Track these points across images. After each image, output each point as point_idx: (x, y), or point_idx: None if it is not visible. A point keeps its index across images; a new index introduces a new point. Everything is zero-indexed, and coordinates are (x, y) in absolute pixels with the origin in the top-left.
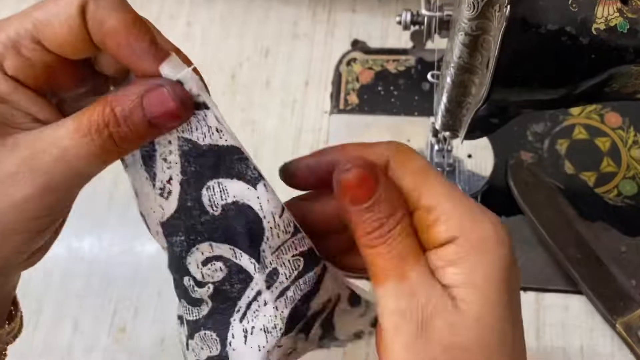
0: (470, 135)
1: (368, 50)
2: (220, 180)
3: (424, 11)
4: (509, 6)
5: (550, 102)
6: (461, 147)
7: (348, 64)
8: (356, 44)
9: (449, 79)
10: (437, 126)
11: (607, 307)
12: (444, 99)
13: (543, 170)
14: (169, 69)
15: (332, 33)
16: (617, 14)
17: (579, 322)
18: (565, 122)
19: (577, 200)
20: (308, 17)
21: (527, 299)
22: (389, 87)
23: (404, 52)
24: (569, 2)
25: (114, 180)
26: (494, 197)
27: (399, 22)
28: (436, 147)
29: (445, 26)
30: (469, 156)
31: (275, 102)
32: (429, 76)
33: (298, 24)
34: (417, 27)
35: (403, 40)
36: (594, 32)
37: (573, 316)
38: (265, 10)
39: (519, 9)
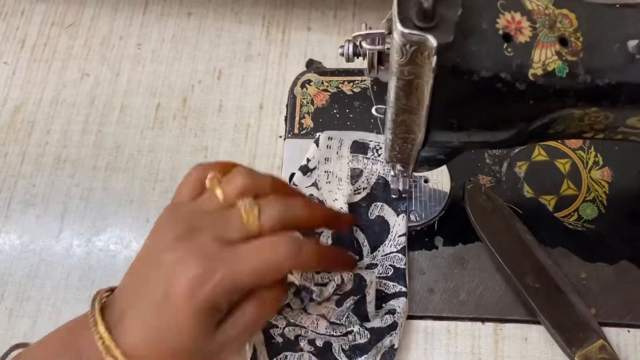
0: (419, 168)
1: (323, 72)
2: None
3: (364, 44)
4: (435, 56)
5: (491, 144)
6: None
7: (302, 86)
8: (311, 64)
9: (389, 117)
10: (386, 158)
11: (565, 339)
12: (388, 134)
13: (501, 194)
14: None
15: (286, 53)
16: (555, 57)
17: (538, 354)
18: (529, 144)
19: (537, 225)
20: (262, 37)
21: (486, 330)
22: (344, 109)
23: (359, 72)
24: (504, 47)
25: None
26: (452, 222)
27: (342, 54)
28: (391, 173)
29: (387, 59)
30: (426, 181)
31: (229, 127)
32: (373, 110)
33: (252, 44)
34: (359, 58)
35: (359, 60)
36: (531, 77)
37: (532, 347)
38: (218, 30)
39: (449, 56)
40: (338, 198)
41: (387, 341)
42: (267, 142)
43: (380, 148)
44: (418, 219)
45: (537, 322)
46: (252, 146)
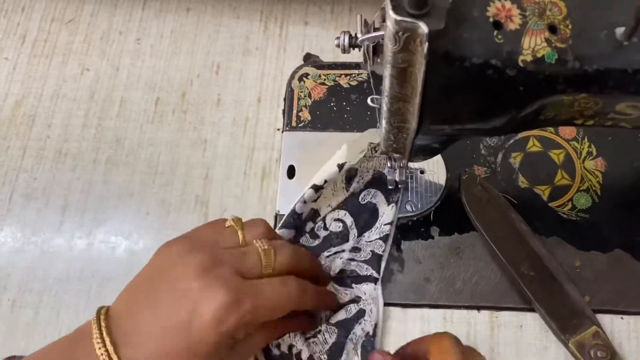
0: (414, 158)
1: (320, 65)
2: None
3: (360, 35)
4: (427, 43)
5: (484, 131)
6: (413, 163)
7: (300, 79)
8: (308, 58)
9: (384, 107)
10: (383, 148)
11: (559, 326)
12: (384, 124)
13: (496, 185)
14: None
15: (284, 47)
16: (544, 44)
17: (533, 341)
18: (519, 135)
19: (531, 215)
20: (260, 31)
21: (482, 317)
22: (341, 102)
23: (356, 66)
24: (494, 34)
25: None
26: (447, 213)
27: (338, 45)
28: (388, 164)
29: (382, 50)
30: (422, 172)
31: (227, 120)
32: (369, 101)
33: (250, 38)
34: (356, 50)
35: (356, 53)
36: (521, 64)
37: (527, 334)
38: (216, 25)
39: (441, 43)
40: (331, 203)
41: (358, 330)
42: (265, 135)
43: (378, 145)
44: (414, 209)
45: (532, 310)
46: (250, 139)
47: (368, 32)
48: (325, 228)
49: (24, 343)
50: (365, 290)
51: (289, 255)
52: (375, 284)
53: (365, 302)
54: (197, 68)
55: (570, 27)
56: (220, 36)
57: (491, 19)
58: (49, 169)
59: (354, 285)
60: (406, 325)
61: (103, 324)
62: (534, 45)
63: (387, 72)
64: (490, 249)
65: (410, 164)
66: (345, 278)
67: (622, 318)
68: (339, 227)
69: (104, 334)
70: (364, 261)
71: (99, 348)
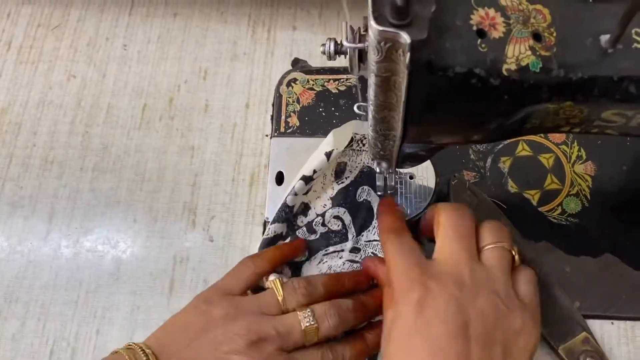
0: (402, 165)
1: (308, 70)
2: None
3: (345, 42)
4: (409, 53)
5: (469, 140)
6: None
7: (288, 84)
8: (296, 63)
9: (370, 115)
10: (370, 155)
11: (548, 333)
12: (370, 131)
13: (486, 190)
14: None
15: (272, 52)
16: (529, 52)
17: None
18: (508, 139)
19: (521, 219)
20: (248, 36)
21: None
22: (330, 107)
23: (345, 71)
24: (478, 43)
25: None
26: None
27: (323, 52)
28: (377, 170)
29: (367, 57)
30: (411, 177)
31: (215, 126)
32: (355, 108)
33: (237, 43)
34: (341, 56)
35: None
36: (505, 72)
37: None
38: (204, 30)
39: (423, 52)
40: (321, 196)
41: None
42: (253, 141)
43: (365, 138)
44: (404, 214)
45: None
46: (238, 145)
47: (354, 39)
48: (324, 224)
49: (10, 354)
50: None
51: (334, 325)
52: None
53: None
54: (184, 74)
55: (554, 34)
56: (207, 41)
57: (474, 28)
58: (35, 177)
59: None
60: None
61: (149, 352)
62: (518, 54)
63: (371, 81)
64: None
65: (400, 170)
66: None
67: (612, 323)
68: (338, 226)
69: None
70: None
71: None
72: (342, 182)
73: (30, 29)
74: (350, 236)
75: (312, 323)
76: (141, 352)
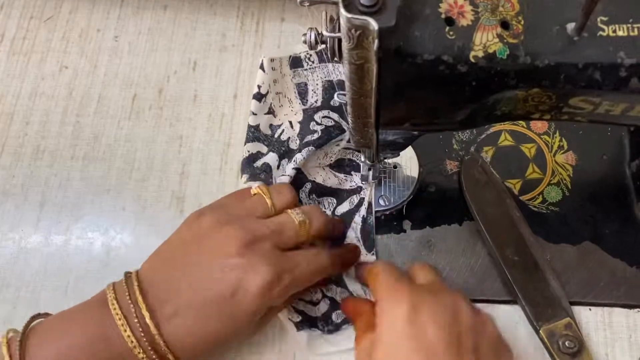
0: (382, 153)
1: None
2: None
3: (324, 32)
4: (377, 39)
5: (441, 126)
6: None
7: None
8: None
9: (349, 102)
10: (352, 144)
11: (534, 312)
12: (350, 119)
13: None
14: None
15: (260, 44)
16: (496, 40)
17: (503, 332)
18: (491, 129)
19: None
20: (236, 28)
21: None
22: None
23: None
24: (446, 31)
25: None
26: (419, 206)
27: (305, 42)
28: (362, 158)
29: None
30: (395, 167)
31: (203, 116)
32: (335, 96)
33: (226, 35)
34: (323, 46)
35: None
36: (472, 59)
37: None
38: (193, 22)
39: (392, 39)
40: (292, 120)
41: (357, 218)
42: (241, 131)
43: (311, 56)
44: (387, 203)
45: (504, 302)
46: (226, 135)
47: (334, 28)
48: (319, 123)
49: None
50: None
51: (323, 223)
52: (369, 169)
53: (365, 190)
54: (174, 65)
55: (522, 22)
56: (197, 33)
57: (443, 16)
58: (27, 165)
59: (352, 172)
60: None
61: (137, 288)
62: (486, 41)
63: (346, 69)
64: (480, 230)
65: (385, 160)
66: (344, 165)
67: (590, 309)
68: (331, 122)
69: (139, 299)
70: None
71: (133, 310)
72: (313, 106)
73: (22, 20)
74: (345, 127)
75: (303, 218)
76: (126, 288)
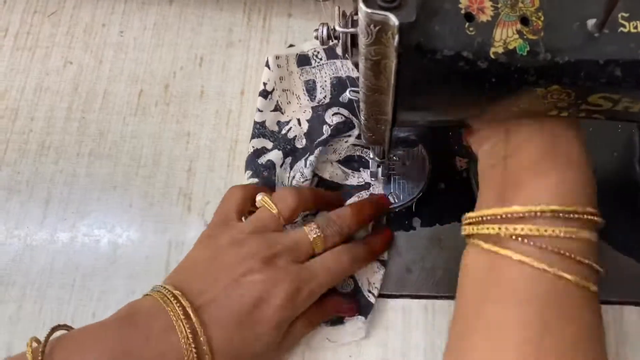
0: (394, 149)
1: None
2: None
3: (337, 27)
4: (398, 35)
5: (458, 123)
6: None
7: None
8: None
9: (362, 99)
10: (364, 141)
11: None
12: (362, 116)
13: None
14: None
15: (267, 39)
16: (516, 36)
17: None
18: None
19: None
20: (243, 24)
21: None
22: None
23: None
24: (466, 27)
25: None
26: (429, 204)
27: (316, 37)
28: (370, 155)
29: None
30: (404, 163)
31: (210, 113)
32: (347, 93)
33: (233, 30)
34: (335, 41)
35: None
36: (492, 55)
37: None
38: (199, 17)
39: (412, 35)
40: (300, 118)
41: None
42: (248, 128)
43: (319, 53)
44: (397, 201)
45: None
46: (233, 131)
47: (346, 24)
48: (329, 124)
49: (7, 337)
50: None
51: (338, 233)
52: (378, 166)
53: (374, 186)
54: (180, 60)
55: (542, 19)
56: (203, 29)
57: (463, 11)
58: (32, 162)
59: (360, 169)
60: (387, 316)
61: (186, 303)
62: (506, 37)
63: (362, 65)
64: None
65: (393, 156)
66: (353, 162)
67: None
68: (342, 118)
69: (188, 307)
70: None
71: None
72: (321, 104)
73: (26, 15)
74: (356, 123)
75: (319, 234)
76: (170, 295)
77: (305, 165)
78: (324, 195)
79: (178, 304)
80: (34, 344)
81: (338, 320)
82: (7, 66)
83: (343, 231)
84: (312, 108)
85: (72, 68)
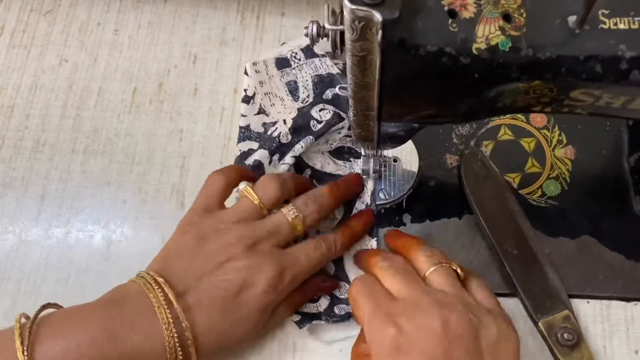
0: (383, 146)
1: None
2: None
3: (327, 24)
4: (381, 31)
5: (443, 119)
6: (387, 151)
7: None
8: None
9: (350, 94)
10: (353, 138)
11: (532, 305)
12: (351, 112)
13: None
14: None
15: (260, 38)
16: (498, 32)
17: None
18: (490, 123)
19: None
20: (237, 22)
21: None
22: None
23: (332, 55)
24: (449, 23)
25: None
26: (419, 200)
27: (306, 35)
28: (362, 152)
29: None
30: (395, 160)
31: (204, 110)
32: (337, 89)
33: (226, 29)
34: (324, 39)
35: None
36: (475, 51)
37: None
38: (193, 16)
39: (396, 31)
40: (286, 118)
41: (359, 205)
42: None
43: (297, 53)
44: (387, 197)
45: (503, 295)
46: (226, 129)
47: (335, 21)
48: (319, 121)
49: None
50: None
51: (317, 212)
52: (369, 158)
53: (365, 178)
54: (174, 59)
55: (524, 15)
56: (197, 27)
57: (446, 8)
58: (27, 159)
59: (351, 159)
60: None
61: (169, 291)
62: (488, 34)
63: (349, 61)
64: (479, 224)
65: (385, 153)
66: (344, 153)
67: (588, 302)
68: (330, 113)
69: (171, 295)
70: None
71: (163, 308)
72: (306, 103)
73: (22, 14)
74: (345, 116)
75: (297, 214)
76: (152, 281)
77: (288, 153)
78: (305, 182)
79: (160, 291)
80: (23, 320)
81: (341, 319)
82: (3, 64)
83: (321, 209)
84: (298, 109)
85: (67, 66)
